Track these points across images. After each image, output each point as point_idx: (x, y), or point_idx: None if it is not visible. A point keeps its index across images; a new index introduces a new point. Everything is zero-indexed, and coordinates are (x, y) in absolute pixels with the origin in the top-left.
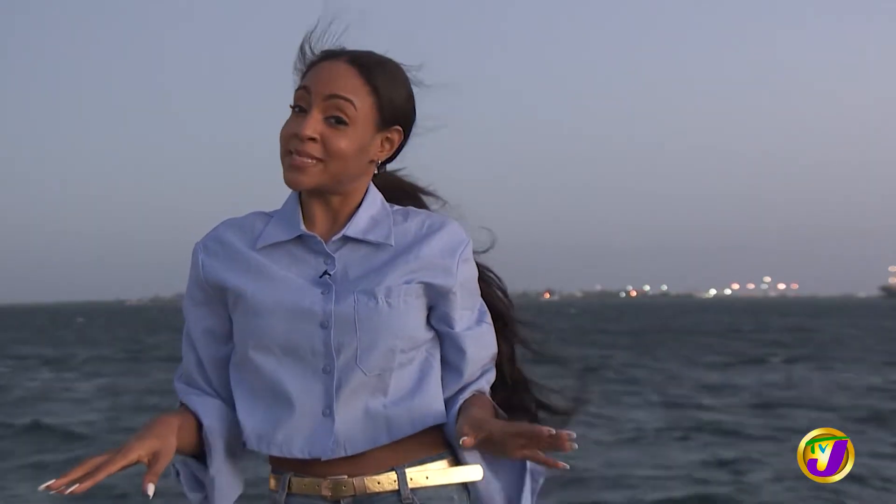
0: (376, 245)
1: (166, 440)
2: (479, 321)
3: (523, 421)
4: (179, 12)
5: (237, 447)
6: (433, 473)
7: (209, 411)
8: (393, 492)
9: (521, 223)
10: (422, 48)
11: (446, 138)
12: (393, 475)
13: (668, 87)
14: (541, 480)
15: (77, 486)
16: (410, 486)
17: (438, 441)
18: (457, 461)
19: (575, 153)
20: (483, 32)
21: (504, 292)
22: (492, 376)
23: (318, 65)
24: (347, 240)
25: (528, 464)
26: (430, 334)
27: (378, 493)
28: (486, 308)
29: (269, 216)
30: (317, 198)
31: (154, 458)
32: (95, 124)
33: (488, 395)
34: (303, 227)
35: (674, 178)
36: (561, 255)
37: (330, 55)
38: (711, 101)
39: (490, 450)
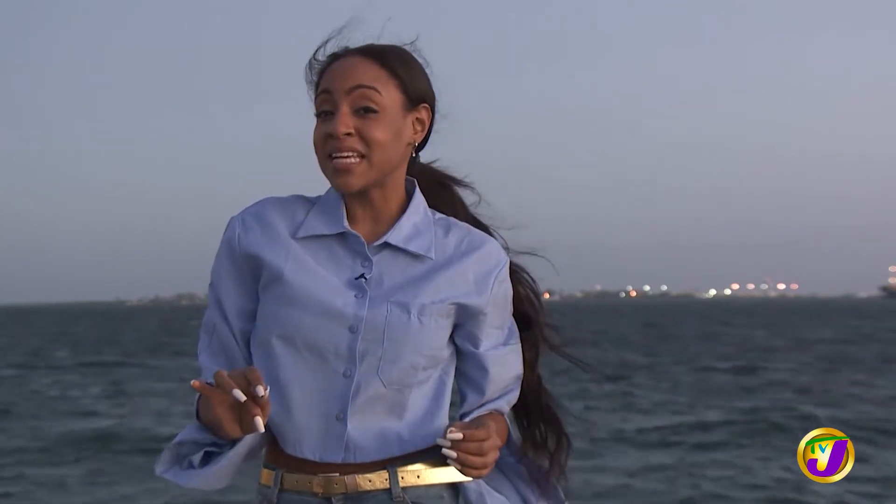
0: (416, 256)
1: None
2: (506, 342)
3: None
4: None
5: (258, 448)
6: (424, 472)
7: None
8: (384, 490)
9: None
10: (432, 44)
11: (446, 137)
12: (385, 473)
13: (668, 87)
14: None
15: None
16: (402, 484)
17: None
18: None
19: (575, 152)
20: (485, 28)
21: (537, 295)
22: (513, 397)
23: (329, 67)
24: (387, 245)
25: (517, 468)
26: (448, 351)
27: (369, 492)
28: (515, 328)
29: (310, 203)
30: (357, 192)
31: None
32: (97, 122)
33: (507, 415)
34: (346, 224)
35: (674, 177)
36: (561, 255)
37: (338, 56)
38: (711, 101)
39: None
